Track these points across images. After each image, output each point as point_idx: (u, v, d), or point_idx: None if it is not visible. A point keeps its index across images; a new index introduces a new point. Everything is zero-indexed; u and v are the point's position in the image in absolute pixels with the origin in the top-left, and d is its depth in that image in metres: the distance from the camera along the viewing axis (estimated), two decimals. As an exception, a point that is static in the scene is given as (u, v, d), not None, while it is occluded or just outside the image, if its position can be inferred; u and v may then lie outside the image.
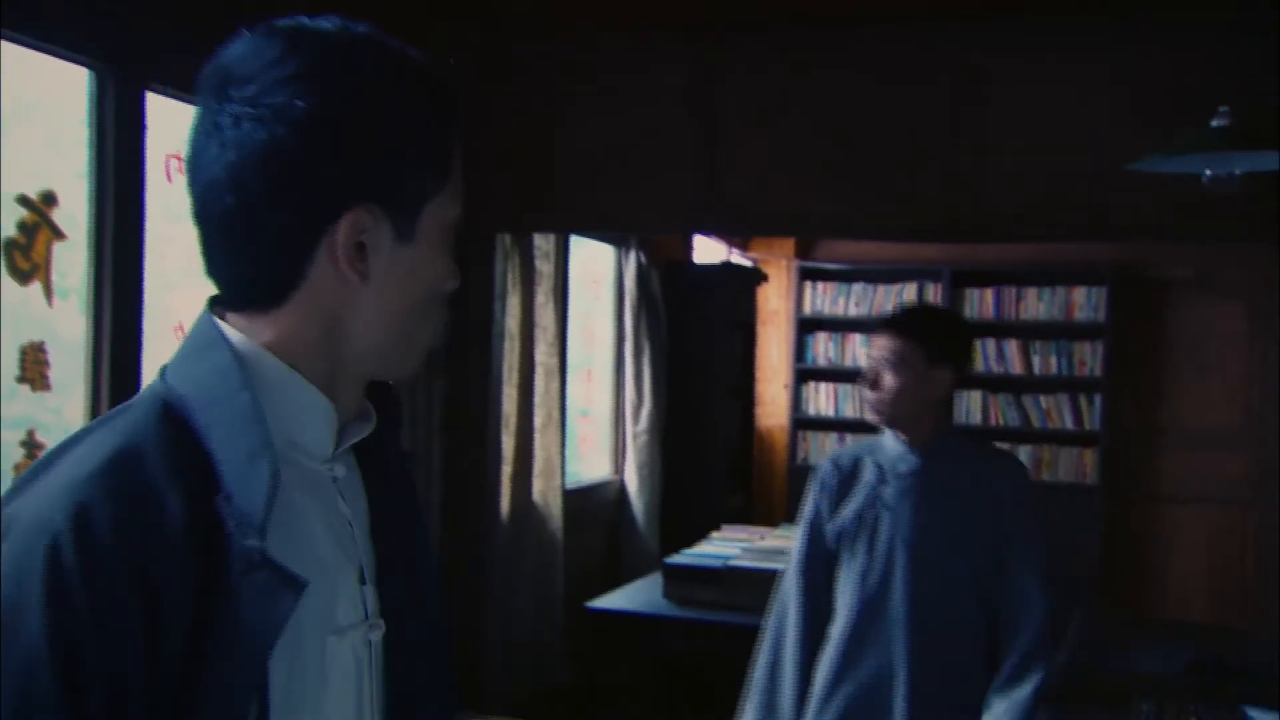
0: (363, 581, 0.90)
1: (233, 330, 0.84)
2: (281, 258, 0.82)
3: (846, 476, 2.37)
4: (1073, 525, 5.99)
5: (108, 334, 2.38)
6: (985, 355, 6.31)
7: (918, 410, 2.28)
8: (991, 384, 6.32)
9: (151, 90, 2.47)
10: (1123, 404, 6.14)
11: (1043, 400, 6.23)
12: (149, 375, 2.44)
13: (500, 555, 3.83)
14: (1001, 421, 6.28)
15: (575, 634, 4.04)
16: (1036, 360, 6.23)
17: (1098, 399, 6.10)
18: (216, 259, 0.84)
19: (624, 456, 5.11)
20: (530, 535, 4.03)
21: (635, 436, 5.04)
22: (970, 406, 6.32)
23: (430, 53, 0.88)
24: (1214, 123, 2.29)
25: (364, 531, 0.92)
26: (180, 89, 2.54)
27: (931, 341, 2.28)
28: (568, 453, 4.43)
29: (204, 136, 0.81)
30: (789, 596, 2.38)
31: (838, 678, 2.27)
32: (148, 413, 0.79)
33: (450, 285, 0.91)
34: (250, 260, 0.83)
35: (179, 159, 2.63)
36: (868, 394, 2.31)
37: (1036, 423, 6.23)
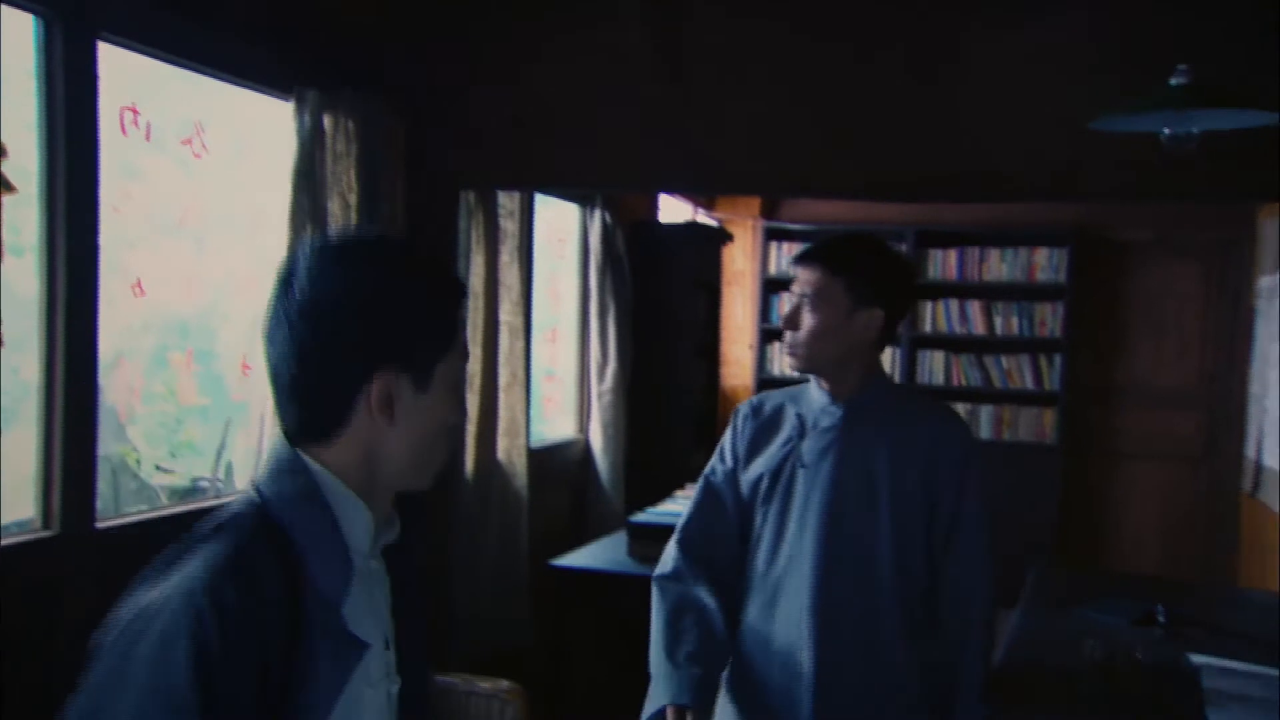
0: (386, 647, 1.22)
1: (308, 456, 1.15)
2: (335, 408, 1.14)
3: (765, 424, 2.12)
4: (1032, 483, 6.09)
5: (62, 292, 2.32)
6: (948, 316, 6.36)
7: (841, 355, 2.02)
8: (954, 344, 6.39)
9: (103, 40, 2.38)
10: (1082, 364, 6.22)
11: (1004, 360, 6.30)
12: (105, 333, 2.41)
13: (465, 513, 3.83)
14: (964, 382, 6.35)
15: (540, 591, 4.06)
16: (998, 321, 6.30)
17: (1058, 359, 6.18)
18: (286, 408, 1.15)
19: (589, 416, 5.12)
20: (495, 494, 4.03)
21: (600, 396, 5.04)
22: (933, 367, 6.39)
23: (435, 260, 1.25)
24: (1172, 81, 2.29)
25: (386, 609, 1.23)
26: (133, 38, 2.47)
27: (857, 276, 2.00)
28: (533, 412, 4.42)
29: (274, 320, 1.13)
30: (666, 555, 2.14)
31: (746, 645, 2.08)
32: (255, 523, 1.11)
33: (455, 420, 1.23)
34: (311, 410, 1.14)
35: (134, 111, 2.58)
36: (786, 335, 2.05)
37: (998, 383, 6.31)
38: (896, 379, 6.40)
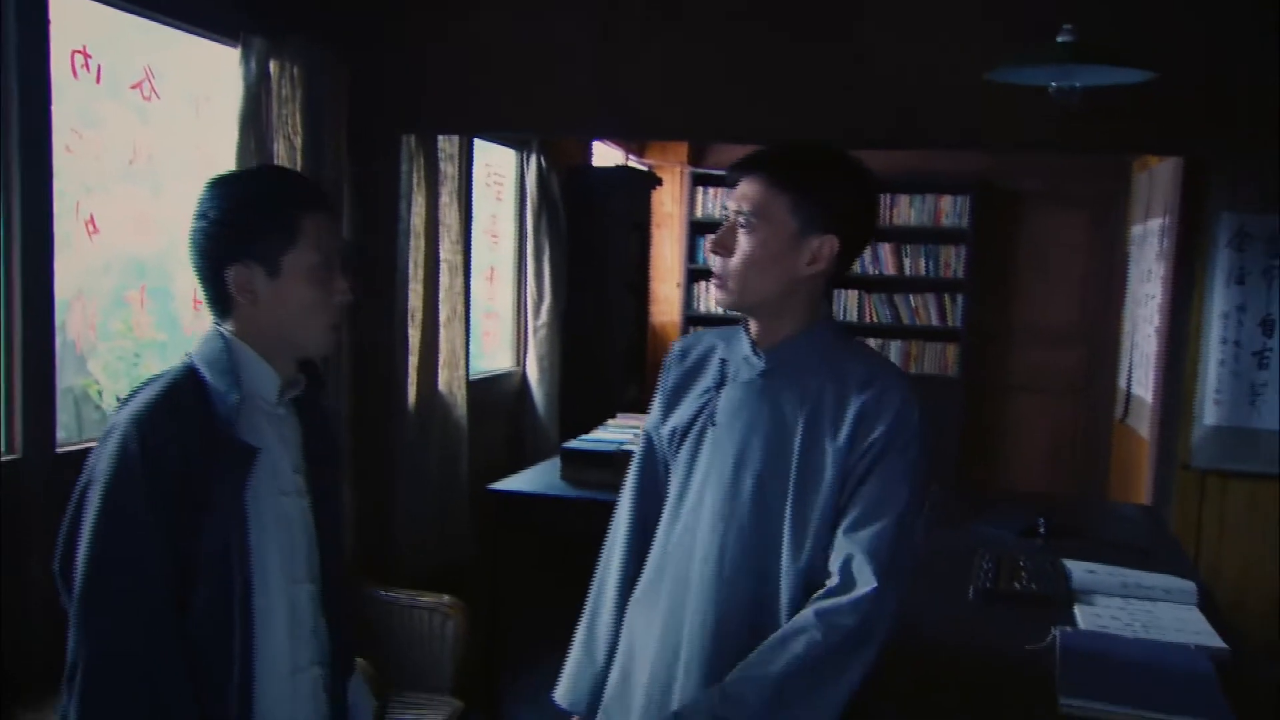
0: (295, 471, 1.55)
1: (225, 328, 1.50)
2: (217, 293, 1.49)
3: (689, 370, 1.72)
4: (937, 413, 6.30)
5: (18, 236, 2.29)
6: (861, 257, 6.47)
7: (779, 291, 1.56)
8: (867, 284, 6.53)
9: (53, -17, 2.35)
10: (981, 303, 6.42)
11: (913, 299, 6.47)
12: (64, 273, 2.40)
13: (408, 440, 3.87)
14: (875, 319, 6.51)
15: (479, 513, 4.13)
16: (907, 262, 6.45)
17: (960, 298, 6.36)
18: (203, 295, 1.52)
19: (525, 349, 5.17)
20: (436, 422, 4.08)
21: (536, 331, 5.09)
22: (847, 305, 6.53)
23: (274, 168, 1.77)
24: (1059, 38, 2.38)
25: (298, 447, 1.57)
26: (82, -18, 2.43)
27: (807, 193, 1.53)
28: (473, 347, 4.46)
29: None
30: (618, 522, 1.79)
31: (635, 613, 1.71)
32: (181, 372, 1.46)
33: (339, 299, 1.52)
34: (208, 294, 1.51)
35: (85, 54, 2.53)
36: (715, 263, 1.59)
37: (906, 320, 6.48)
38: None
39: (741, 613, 1.57)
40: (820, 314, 1.63)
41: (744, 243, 1.55)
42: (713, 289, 1.62)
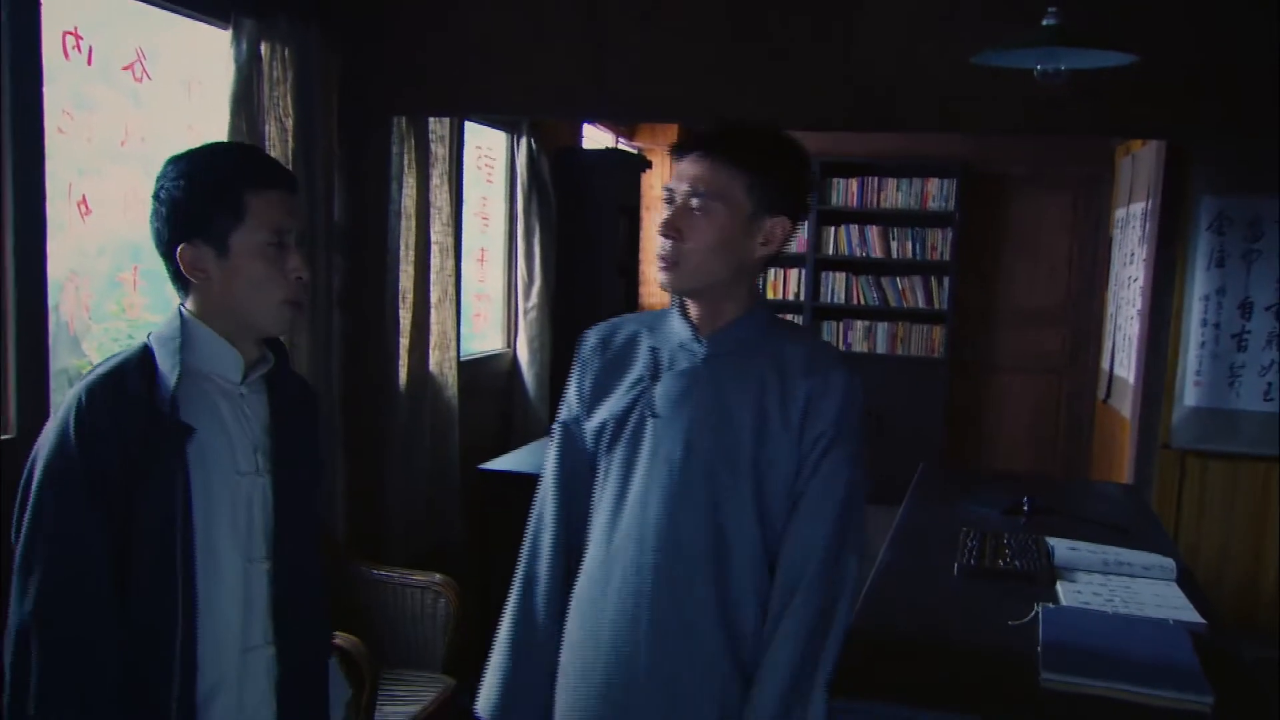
0: (255, 451, 1.53)
1: (185, 306, 1.50)
2: (172, 271, 1.49)
3: (613, 360, 1.63)
4: (923, 394, 6.34)
5: (10, 217, 2.28)
6: (849, 240, 6.51)
7: (730, 275, 1.53)
8: (854, 266, 6.55)
9: (44, -36, 2.33)
10: (967, 285, 6.46)
11: (899, 282, 6.49)
12: (57, 256, 2.39)
13: (399, 420, 3.88)
14: (863, 301, 6.53)
15: (470, 493, 4.15)
16: (895, 245, 6.47)
17: (946, 280, 6.39)
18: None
19: (516, 331, 5.17)
20: (427, 402, 4.08)
21: (526, 313, 5.09)
22: (835, 287, 6.55)
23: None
24: (1044, 22, 2.39)
25: (263, 425, 1.54)
26: (72, -36, 2.41)
27: (764, 174, 1.50)
28: (464, 329, 4.46)
29: None
30: (543, 520, 1.69)
31: (581, 616, 1.61)
32: (136, 351, 1.47)
33: (296, 276, 1.49)
34: (168, 272, 1.50)
35: (77, 36, 2.52)
36: (661, 244, 1.54)
37: (893, 302, 6.50)
38: (803, 299, 6.57)
39: (704, 606, 1.52)
40: (758, 298, 1.61)
41: (700, 225, 1.51)
42: (657, 271, 1.57)
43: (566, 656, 1.63)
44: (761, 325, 1.58)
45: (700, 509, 1.52)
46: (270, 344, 1.58)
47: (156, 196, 1.47)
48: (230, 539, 1.48)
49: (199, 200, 1.44)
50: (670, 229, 1.52)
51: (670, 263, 1.53)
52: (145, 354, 1.46)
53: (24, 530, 1.39)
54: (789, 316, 6.58)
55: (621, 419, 1.58)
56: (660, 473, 1.54)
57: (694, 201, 1.51)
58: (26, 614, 1.36)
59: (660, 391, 1.56)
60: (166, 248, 1.47)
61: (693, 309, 1.58)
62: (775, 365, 1.54)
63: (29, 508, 1.39)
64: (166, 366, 1.43)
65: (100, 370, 1.44)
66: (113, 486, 1.38)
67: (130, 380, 1.42)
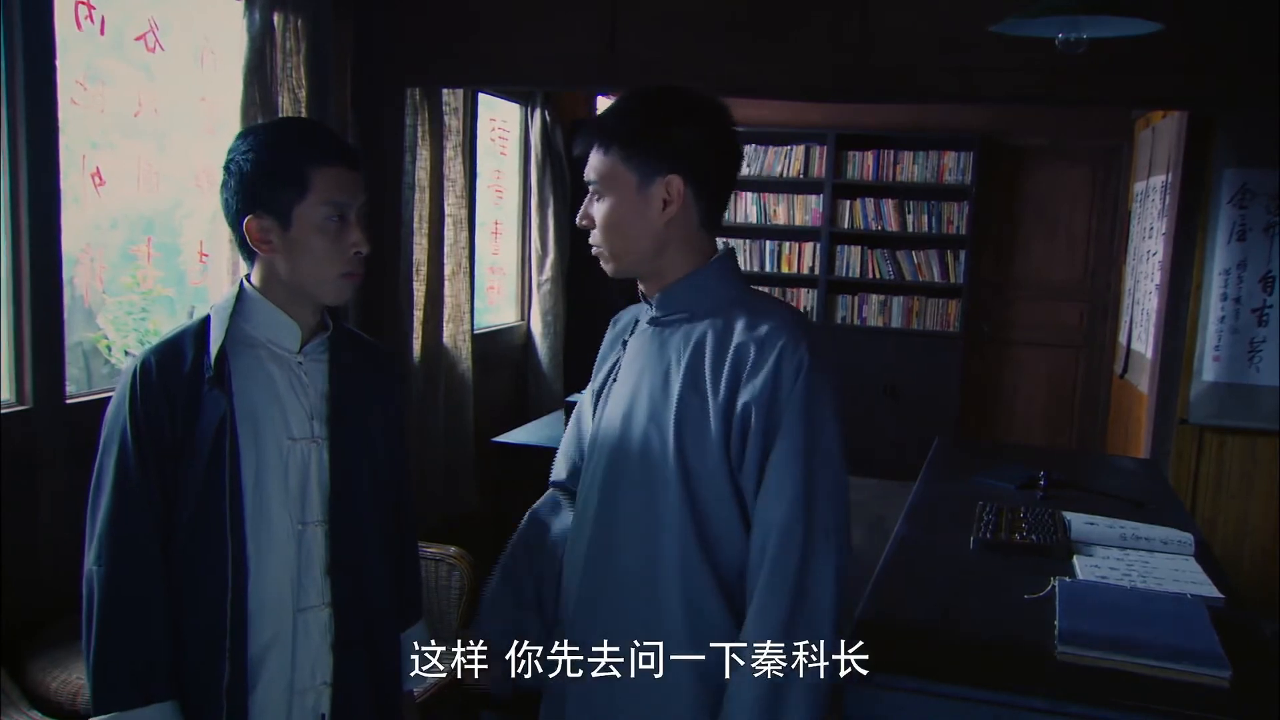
0: (310, 418, 1.56)
1: (250, 277, 1.56)
2: (241, 242, 1.53)
3: (616, 335, 1.72)
4: (938, 368, 6.31)
5: (25, 190, 2.29)
6: (865, 213, 6.46)
7: (650, 247, 1.53)
8: (870, 240, 6.50)
9: (55, -66, 2.31)
10: (983, 259, 6.40)
11: (915, 255, 6.44)
12: (72, 229, 2.39)
13: (415, 393, 3.88)
14: (878, 275, 6.48)
15: (484, 465, 4.15)
16: (910, 219, 6.41)
17: (963, 254, 6.33)
18: None
19: (529, 304, 5.16)
20: (442, 375, 4.08)
21: (540, 285, 5.08)
22: (850, 260, 6.50)
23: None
24: (1067, -12, 2.35)
25: (321, 393, 1.58)
26: (83, -67, 2.39)
27: (634, 143, 1.49)
28: (478, 302, 4.45)
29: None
30: (554, 474, 1.81)
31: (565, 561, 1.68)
32: (195, 321, 1.54)
33: (355, 250, 1.53)
34: (237, 243, 1.54)
35: (90, 6, 2.50)
36: (591, 237, 1.58)
37: (909, 276, 6.45)
38: (818, 273, 6.53)
39: (629, 575, 1.52)
40: (707, 256, 1.56)
41: (598, 211, 1.53)
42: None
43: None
44: (710, 284, 1.55)
45: (635, 470, 1.52)
46: (332, 313, 1.63)
47: (226, 168, 1.52)
48: (281, 502, 1.52)
49: (264, 173, 1.49)
50: (581, 219, 1.58)
51: (600, 254, 1.58)
52: (203, 324, 1.53)
53: (91, 485, 1.49)
54: (803, 290, 6.55)
55: (601, 386, 1.68)
56: (605, 434, 1.58)
57: (591, 189, 1.55)
58: (90, 563, 1.47)
59: (624, 356, 1.62)
60: (234, 218, 1.52)
61: (641, 285, 1.61)
62: (717, 325, 1.51)
63: (95, 463, 1.49)
64: (216, 335, 1.50)
65: (162, 339, 1.53)
66: (164, 449, 1.46)
67: (185, 348, 1.50)
